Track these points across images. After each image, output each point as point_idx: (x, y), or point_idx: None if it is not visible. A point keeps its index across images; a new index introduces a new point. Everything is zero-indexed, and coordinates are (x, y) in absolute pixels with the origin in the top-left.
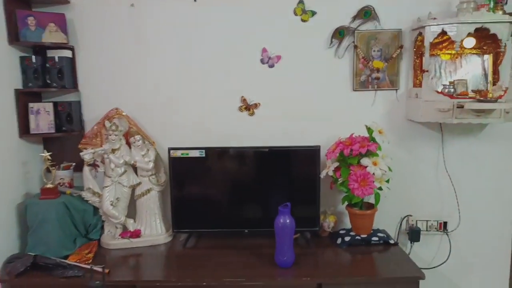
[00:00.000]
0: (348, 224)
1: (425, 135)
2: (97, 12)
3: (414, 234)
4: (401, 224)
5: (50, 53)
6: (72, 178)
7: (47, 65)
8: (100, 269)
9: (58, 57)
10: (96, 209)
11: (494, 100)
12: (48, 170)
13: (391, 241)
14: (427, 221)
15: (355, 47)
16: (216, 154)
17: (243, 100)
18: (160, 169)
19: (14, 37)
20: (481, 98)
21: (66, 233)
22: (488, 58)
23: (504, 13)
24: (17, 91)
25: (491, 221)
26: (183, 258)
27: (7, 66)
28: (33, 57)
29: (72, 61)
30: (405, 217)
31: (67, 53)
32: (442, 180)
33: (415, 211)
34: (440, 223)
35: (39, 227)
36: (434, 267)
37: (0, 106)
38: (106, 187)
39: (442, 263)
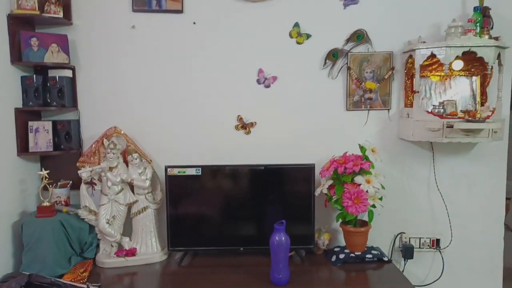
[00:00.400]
0: (342, 242)
1: (416, 154)
2: (99, 33)
3: (407, 251)
4: (394, 242)
5: (52, 73)
6: (69, 196)
7: (48, 84)
8: None
9: (59, 76)
10: (92, 227)
11: (482, 120)
12: (45, 188)
13: (385, 258)
14: (420, 238)
15: (348, 68)
16: (212, 172)
17: (240, 119)
18: (157, 187)
19: (16, 57)
20: (470, 118)
21: (62, 252)
22: (476, 80)
23: (490, 37)
24: (16, 110)
25: (482, 237)
26: (178, 276)
27: (8, 85)
28: (35, 76)
29: (72, 80)
30: (398, 234)
31: (68, 73)
32: (434, 198)
33: (408, 229)
34: (433, 240)
35: (35, 245)
36: (427, 285)
37: (0, 124)
38: (103, 205)
39: (436, 280)
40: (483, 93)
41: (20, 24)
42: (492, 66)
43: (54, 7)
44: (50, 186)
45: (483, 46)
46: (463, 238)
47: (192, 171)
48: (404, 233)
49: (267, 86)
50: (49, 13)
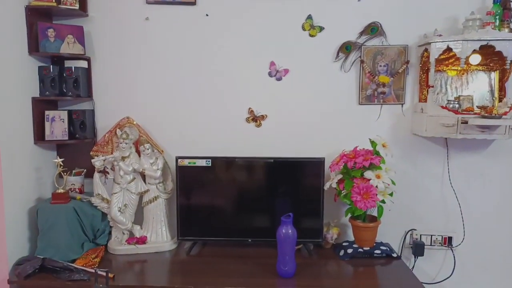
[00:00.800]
0: (351, 236)
1: (430, 150)
2: (114, 25)
3: (418, 249)
4: (405, 238)
5: (68, 64)
6: (82, 184)
7: (64, 74)
8: (104, 273)
9: (75, 67)
10: (104, 215)
11: (499, 117)
12: (60, 176)
13: (394, 255)
14: (431, 235)
15: (362, 61)
16: (222, 163)
17: (251, 111)
18: (168, 177)
19: (34, 48)
20: (486, 114)
21: (75, 238)
22: (495, 75)
23: (510, 31)
24: (34, 99)
25: (496, 237)
26: (187, 265)
27: (26, 75)
28: (51, 66)
29: (87, 71)
30: (409, 231)
31: (83, 64)
32: (447, 195)
33: (419, 225)
34: (445, 238)
35: (49, 230)
36: (437, 282)
37: (17, 113)
38: (115, 193)
39: (446, 279)
40: (502, 89)
41: (37, 15)
42: (511, 61)
43: None
44: (65, 173)
45: (502, 39)
46: (476, 236)
47: (202, 162)
48: (415, 229)
49: (279, 79)
50: (65, 5)
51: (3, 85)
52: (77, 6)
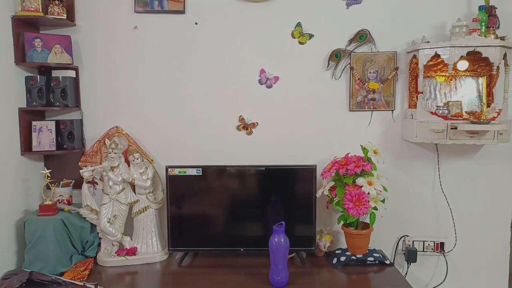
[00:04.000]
0: (344, 244)
1: (421, 155)
2: (102, 34)
3: (410, 255)
4: (397, 244)
5: (55, 73)
6: (71, 195)
7: (51, 84)
8: (93, 286)
9: (62, 77)
10: (93, 226)
11: (487, 122)
12: (47, 187)
13: (387, 262)
14: (423, 241)
15: (351, 68)
16: (213, 172)
17: (241, 119)
18: (158, 187)
19: (21, 58)
20: (475, 120)
21: (63, 250)
22: (482, 81)
23: (496, 37)
24: (20, 110)
25: (488, 241)
26: (178, 276)
27: (12, 86)
28: (38, 77)
29: (75, 80)
30: (401, 237)
31: (71, 73)
32: (438, 200)
33: (411, 231)
34: (437, 244)
35: (37, 243)
36: None
37: (4, 124)
38: (104, 204)
39: (439, 284)
40: (490, 94)
41: (24, 25)
42: (498, 66)
43: (58, 8)
44: (53, 185)
45: (488, 46)
46: (468, 241)
47: (192, 171)
48: (407, 236)
49: (269, 87)
50: (52, 15)
51: None
52: (64, 16)
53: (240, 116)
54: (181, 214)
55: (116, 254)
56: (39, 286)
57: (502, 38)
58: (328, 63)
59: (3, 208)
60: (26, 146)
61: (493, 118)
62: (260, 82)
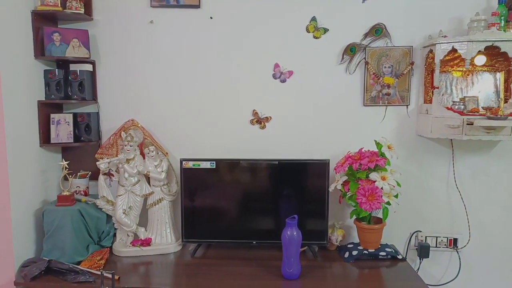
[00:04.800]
0: (356, 238)
1: (435, 151)
2: (118, 28)
3: (423, 250)
4: (410, 240)
5: (73, 67)
6: (87, 186)
7: (69, 78)
8: (110, 275)
9: (80, 70)
10: (109, 217)
11: (504, 118)
12: (65, 178)
13: (399, 257)
14: (436, 237)
15: (366, 63)
16: (226, 166)
17: (255, 113)
18: (172, 179)
19: (40, 52)
20: (491, 115)
21: (80, 240)
22: (500, 76)
23: None
24: (39, 102)
25: (501, 238)
26: (191, 267)
27: (32, 79)
28: (57, 70)
29: (92, 74)
30: (414, 232)
31: (88, 67)
32: (452, 196)
33: (424, 227)
34: (450, 240)
35: (55, 233)
36: (443, 284)
37: (23, 116)
38: (120, 195)
39: (452, 280)
40: (507, 90)
41: (43, 19)
42: None
43: (76, 3)
44: (70, 176)
45: (507, 40)
46: (482, 238)
47: (206, 164)
48: (420, 231)
49: (283, 81)
50: (71, 9)
51: (9, 89)
52: (82, 11)
53: (254, 110)
54: (194, 206)
55: (131, 245)
56: (57, 274)
57: None
58: (343, 57)
59: (23, 198)
60: (45, 138)
61: (511, 114)
62: (274, 76)
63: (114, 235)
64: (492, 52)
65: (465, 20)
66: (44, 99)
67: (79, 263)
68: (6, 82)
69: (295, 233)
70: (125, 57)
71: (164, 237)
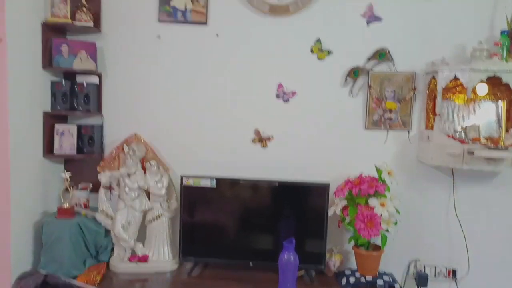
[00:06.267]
0: (354, 263)
1: (436, 178)
2: (126, 42)
3: (421, 280)
4: (408, 268)
5: (79, 79)
6: (88, 198)
7: (76, 89)
8: None
9: (86, 82)
10: (107, 231)
11: (505, 149)
12: (66, 190)
13: (397, 286)
14: (435, 266)
15: (369, 87)
16: (226, 184)
17: (257, 132)
18: (172, 195)
19: (47, 63)
20: (492, 146)
21: (78, 254)
22: (502, 105)
23: None
24: (45, 113)
25: (502, 270)
26: (187, 286)
27: (38, 89)
28: (63, 81)
29: (98, 86)
30: (413, 260)
31: (95, 79)
32: (452, 225)
33: (423, 255)
34: (449, 270)
35: (53, 245)
36: None
37: (28, 126)
38: (119, 210)
39: None
40: (509, 119)
41: (52, 31)
42: None
43: (85, 15)
44: (71, 188)
45: (509, 71)
46: (482, 269)
47: (207, 182)
48: (419, 260)
49: (286, 101)
50: (80, 21)
51: (17, 98)
52: (91, 23)
53: (256, 129)
54: (193, 224)
55: (128, 260)
56: None
57: None
58: (346, 79)
59: (23, 208)
60: (48, 149)
61: (511, 145)
62: (277, 96)
63: (112, 249)
64: (494, 81)
65: (467, 48)
66: (49, 109)
67: (75, 277)
68: (14, 92)
69: (292, 258)
70: (131, 71)
71: (162, 254)
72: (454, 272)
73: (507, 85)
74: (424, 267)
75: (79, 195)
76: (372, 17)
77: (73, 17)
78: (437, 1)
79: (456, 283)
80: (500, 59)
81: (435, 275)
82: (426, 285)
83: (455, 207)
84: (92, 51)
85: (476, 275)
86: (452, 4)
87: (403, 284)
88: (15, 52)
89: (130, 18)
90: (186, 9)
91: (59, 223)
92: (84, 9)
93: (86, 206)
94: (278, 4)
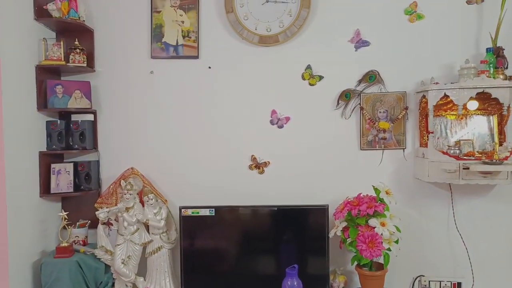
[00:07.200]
0: (359, 284)
1: (434, 194)
2: (120, 79)
3: None
4: (413, 285)
5: (74, 117)
6: (86, 235)
7: (71, 128)
8: None
9: (81, 120)
10: (107, 267)
11: (500, 162)
12: (64, 228)
13: None
14: (440, 281)
15: (361, 108)
16: (225, 212)
17: (253, 158)
18: (171, 226)
19: (42, 104)
20: (487, 160)
21: None
22: (493, 119)
23: (505, 77)
24: (41, 153)
25: (507, 282)
26: None
27: (34, 130)
28: (59, 121)
29: (93, 123)
30: (417, 277)
31: (90, 117)
32: (453, 239)
33: (427, 271)
34: (454, 284)
35: (53, 285)
36: None
37: (24, 167)
38: (118, 245)
39: None
40: (501, 132)
41: (47, 73)
42: (509, 106)
43: (79, 56)
44: (69, 226)
45: (497, 87)
46: (486, 281)
47: (205, 212)
48: (423, 276)
49: (280, 127)
50: (74, 63)
51: (12, 140)
52: (85, 64)
53: (252, 155)
54: (194, 253)
55: None
56: None
57: (511, 78)
58: (338, 102)
59: (21, 249)
60: (45, 188)
61: (506, 158)
62: (272, 122)
63: (113, 285)
64: (484, 96)
65: (455, 66)
66: (45, 149)
67: None
68: (9, 133)
69: (295, 283)
70: (126, 106)
71: (163, 287)
72: (459, 285)
73: (496, 99)
74: (429, 282)
75: (78, 232)
76: (360, 42)
77: (66, 58)
78: (423, 23)
79: None
80: (487, 76)
81: None
82: None
83: (455, 221)
84: (86, 89)
85: (481, 286)
86: (437, 25)
87: None
88: (10, 95)
89: (123, 56)
90: (177, 44)
91: (58, 263)
92: (78, 50)
93: (85, 243)
94: (267, 35)
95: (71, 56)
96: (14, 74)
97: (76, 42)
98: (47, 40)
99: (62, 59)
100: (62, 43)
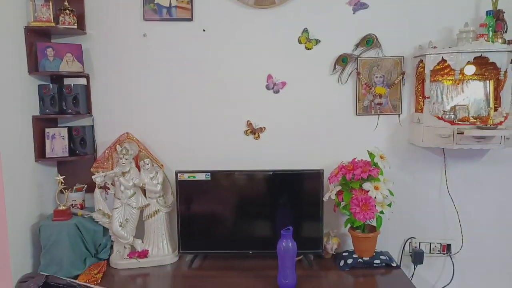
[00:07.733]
0: (351, 246)
1: (428, 159)
2: (112, 42)
3: (417, 257)
4: (404, 247)
5: (67, 81)
6: (83, 199)
7: (64, 92)
8: None
9: (74, 84)
10: (106, 229)
11: (494, 127)
12: (61, 192)
13: (393, 264)
14: (430, 243)
15: (358, 73)
16: (221, 177)
17: (249, 124)
18: (168, 191)
19: (33, 67)
20: (481, 125)
21: (77, 254)
22: (490, 84)
23: (504, 41)
24: (34, 117)
25: (494, 243)
26: (188, 278)
27: (26, 94)
28: (51, 85)
29: (86, 88)
30: (408, 239)
31: (82, 81)
32: (445, 203)
33: (418, 234)
34: (444, 246)
35: (52, 247)
36: None
37: (18, 132)
38: (116, 208)
39: (446, 286)
40: (497, 98)
41: (36, 35)
42: (506, 71)
43: (69, 18)
44: (66, 190)
45: (495, 51)
46: (475, 243)
47: (201, 176)
48: (414, 238)
49: (276, 92)
50: (64, 24)
51: (4, 104)
52: (75, 25)
53: (248, 121)
54: (190, 217)
55: (128, 257)
56: None
57: (510, 42)
58: (335, 67)
59: (19, 213)
60: (40, 153)
61: (500, 123)
62: (268, 87)
63: (111, 247)
64: (481, 61)
65: (454, 30)
66: (38, 114)
67: (76, 277)
68: (0, 98)
69: (290, 245)
70: (119, 70)
71: (161, 249)
72: (448, 247)
73: (494, 64)
74: (419, 244)
75: (75, 196)
76: (358, 4)
77: (56, 20)
78: None
79: (451, 257)
80: (486, 40)
81: (430, 251)
82: (422, 261)
83: (447, 185)
84: (78, 53)
85: (470, 249)
86: None
87: (399, 262)
88: (0, 57)
89: (114, 18)
90: (170, 5)
91: (56, 225)
92: (67, 12)
93: (82, 207)
94: None
95: (60, 18)
96: (3, 36)
97: (66, 3)
98: (35, 0)
99: (52, 21)
100: (51, 4)
